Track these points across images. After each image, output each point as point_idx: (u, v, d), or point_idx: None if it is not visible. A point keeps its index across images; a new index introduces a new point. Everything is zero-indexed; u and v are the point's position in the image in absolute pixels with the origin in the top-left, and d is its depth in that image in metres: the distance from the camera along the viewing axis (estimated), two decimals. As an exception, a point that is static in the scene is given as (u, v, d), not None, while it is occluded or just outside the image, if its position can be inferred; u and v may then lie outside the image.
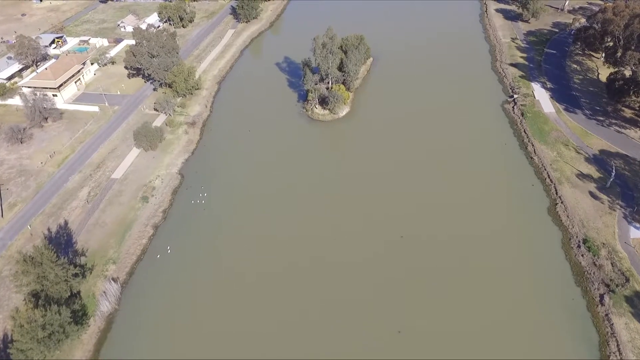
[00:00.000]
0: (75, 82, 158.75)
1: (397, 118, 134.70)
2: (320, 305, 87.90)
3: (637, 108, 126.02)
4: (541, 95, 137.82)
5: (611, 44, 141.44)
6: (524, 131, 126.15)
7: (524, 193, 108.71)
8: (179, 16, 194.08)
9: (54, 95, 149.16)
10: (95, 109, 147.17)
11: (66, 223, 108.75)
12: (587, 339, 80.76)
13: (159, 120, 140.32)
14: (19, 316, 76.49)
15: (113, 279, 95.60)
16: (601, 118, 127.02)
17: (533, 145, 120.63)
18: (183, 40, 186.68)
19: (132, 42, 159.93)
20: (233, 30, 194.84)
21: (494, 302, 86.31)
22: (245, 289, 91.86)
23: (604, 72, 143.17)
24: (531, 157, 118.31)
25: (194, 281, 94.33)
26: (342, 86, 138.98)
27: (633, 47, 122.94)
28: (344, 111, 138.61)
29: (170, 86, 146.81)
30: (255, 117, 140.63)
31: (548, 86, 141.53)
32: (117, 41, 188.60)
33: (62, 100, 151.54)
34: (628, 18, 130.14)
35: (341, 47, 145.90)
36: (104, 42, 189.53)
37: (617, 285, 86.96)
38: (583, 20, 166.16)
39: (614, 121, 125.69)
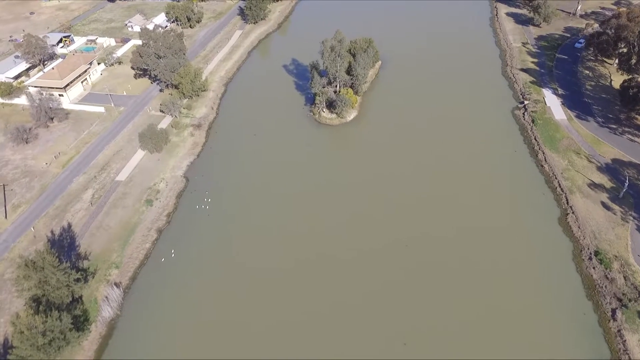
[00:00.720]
0: (82, 82, 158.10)
1: (405, 123, 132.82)
2: (326, 309, 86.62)
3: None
4: (552, 101, 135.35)
5: (625, 50, 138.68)
6: (535, 138, 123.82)
7: (534, 202, 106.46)
8: (187, 16, 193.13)
9: (60, 95, 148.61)
10: (101, 109, 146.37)
11: (69, 226, 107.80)
12: (598, 356, 78.58)
13: (165, 122, 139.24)
14: (19, 322, 75.36)
15: (115, 284, 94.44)
16: (614, 126, 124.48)
17: (544, 153, 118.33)
18: (190, 40, 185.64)
19: (140, 42, 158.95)
20: (241, 31, 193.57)
21: (503, 315, 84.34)
22: (251, 295, 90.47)
23: (616, 79, 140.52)
24: (541, 165, 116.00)
25: (197, 287, 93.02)
26: (350, 90, 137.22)
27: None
28: (351, 115, 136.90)
29: (176, 87, 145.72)
30: (261, 120, 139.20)
31: (559, 92, 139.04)
32: (125, 41, 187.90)
33: (68, 100, 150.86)
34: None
35: (349, 50, 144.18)
36: (111, 41, 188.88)
37: (629, 300, 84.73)
38: (596, 25, 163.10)
39: (627, 129, 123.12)
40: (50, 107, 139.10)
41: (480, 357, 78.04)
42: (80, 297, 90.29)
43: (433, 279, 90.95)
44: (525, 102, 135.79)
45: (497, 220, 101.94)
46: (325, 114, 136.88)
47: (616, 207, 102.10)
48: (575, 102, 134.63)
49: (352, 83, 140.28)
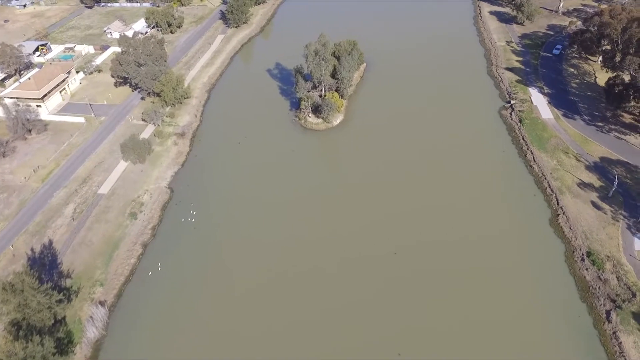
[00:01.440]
0: (60, 92, 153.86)
1: (392, 126, 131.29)
2: (317, 320, 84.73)
3: (637, 114, 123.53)
4: (539, 100, 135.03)
5: (608, 47, 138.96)
6: (523, 138, 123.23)
7: (525, 204, 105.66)
8: (167, 22, 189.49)
9: (37, 106, 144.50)
10: (81, 119, 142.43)
11: (51, 242, 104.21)
12: (595, 359, 77.88)
13: (147, 131, 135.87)
14: (-2, 349, 72.20)
15: (100, 303, 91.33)
16: (600, 124, 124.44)
17: (532, 153, 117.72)
18: (171, 46, 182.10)
19: (119, 49, 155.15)
20: (222, 35, 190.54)
21: (497, 320, 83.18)
22: (240, 310, 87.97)
23: (601, 76, 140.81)
24: (530, 166, 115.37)
25: (185, 302, 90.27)
26: (335, 94, 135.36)
27: (632, 52, 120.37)
28: (337, 119, 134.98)
29: (158, 95, 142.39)
30: (246, 126, 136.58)
31: (545, 91, 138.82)
32: (104, 48, 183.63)
33: (47, 111, 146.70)
34: (626, 22, 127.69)
35: (334, 53, 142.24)
36: (90, 49, 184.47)
37: (623, 301, 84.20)
38: (579, 22, 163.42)
39: (613, 127, 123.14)
40: (28, 119, 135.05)
41: (476, 365, 76.86)
42: (64, 318, 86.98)
43: (424, 287, 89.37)
44: (512, 102, 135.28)
45: (488, 224, 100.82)
46: (311, 119, 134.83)
47: (606, 207, 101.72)
48: (561, 100, 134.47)
49: (338, 87, 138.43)
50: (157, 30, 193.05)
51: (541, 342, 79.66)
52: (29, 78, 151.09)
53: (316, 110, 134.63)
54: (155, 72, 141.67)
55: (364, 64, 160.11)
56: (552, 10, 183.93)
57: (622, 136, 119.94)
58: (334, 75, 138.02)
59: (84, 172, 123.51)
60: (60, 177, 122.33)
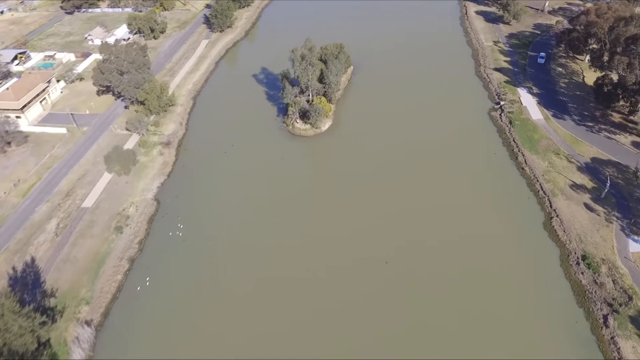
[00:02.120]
0: (41, 102, 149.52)
1: (381, 130, 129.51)
2: (311, 331, 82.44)
3: (627, 113, 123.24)
4: (528, 101, 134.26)
5: (595, 46, 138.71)
6: (513, 140, 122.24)
7: (518, 207, 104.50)
8: (150, 27, 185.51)
9: (17, 117, 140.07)
10: (62, 130, 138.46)
11: (33, 260, 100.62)
12: (594, 366, 76.95)
13: (132, 141, 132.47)
14: (-23, 379, 68.85)
15: (86, 322, 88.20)
16: (590, 124, 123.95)
17: (523, 155, 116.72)
18: (154, 52, 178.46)
19: (101, 56, 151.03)
20: (207, 40, 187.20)
21: (493, 326, 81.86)
22: (232, 324, 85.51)
23: (588, 75, 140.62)
24: (522, 168, 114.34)
25: (174, 320, 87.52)
26: (323, 98, 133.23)
27: (620, 51, 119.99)
28: (326, 125, 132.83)
29: (142, 103, 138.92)
30: (233, 133, 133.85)
31: (534, 91, 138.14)
32: (85, 55, 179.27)
33: (27, 122, 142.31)
34: (613, 21, 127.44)
35: (320, 57, 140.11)
36: (71, 56, 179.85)
37: (620, 305, 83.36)
38: (565, 22, 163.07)
39: (603, 127, 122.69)
40: (7, 131, 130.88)
41: (475, 377, 75.34)
42: (48, 340, 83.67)
43: (416, 293, 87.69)
44: (502, 103, 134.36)
45: (482, 228, 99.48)
46: (299, 124, 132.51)
47: (599, 208, 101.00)
48: (550, 100, 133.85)
49: (325, 91, 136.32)
50: (140, 36, 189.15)
51: (539, 349, 78.44)
52: (7, 88, 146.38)
53: (304, 115, 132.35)
54: (139, 80, 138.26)
55: (351, 67, 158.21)
56: (538, 9, 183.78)
57: (612, 136, 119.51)
58: (321, 79, 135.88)
59: (67, 185, 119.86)
60: (42, 191, 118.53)
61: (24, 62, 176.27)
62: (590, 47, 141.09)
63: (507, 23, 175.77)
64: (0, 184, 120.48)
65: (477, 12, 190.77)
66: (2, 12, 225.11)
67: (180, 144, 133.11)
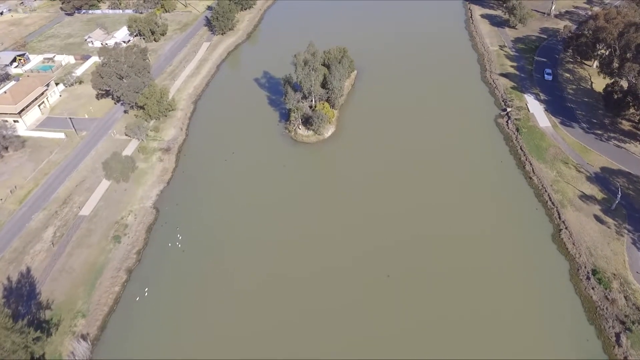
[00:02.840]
0: (39, 106, 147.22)
1: (385, 137, 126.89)
2: (311, 346, 79.74)
3: (637, 121, 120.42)
4: (535, 108, 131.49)
5: (604, 51, 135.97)
6: (521, 148, 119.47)
7: (526, 218, 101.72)
8: (150, 29, 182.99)
9: (15, 121, 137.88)
10: (61, 135, 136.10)
11: (29, 270, 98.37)
12: (606, 388, 74.31)
13: (131, 147, 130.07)
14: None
15: (82, 336, 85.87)
16: (599, 132, 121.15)
17: (531, 164, 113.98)
18: (155, 55, 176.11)
19: (100, 59, 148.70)
20: (208, 43, 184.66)
21: (501, 344, 78.99)
22: (233, 337, 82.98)
23: (597, 81, 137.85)
24: (530, 177, 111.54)
25: (172, 334, 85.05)
26: (326, 104, 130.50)
27: (630, 57, 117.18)
28: (329, 131, 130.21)
29: (142, 108, 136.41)
30: (234, 139, 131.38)
31: (541, 98, 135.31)
32: (85, 58, 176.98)
33: (25, 127, 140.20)
34: (622, 26, 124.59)
35: (324, 61, 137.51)
36: (70, 59, 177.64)
37: (633, 323, 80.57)
38: (573, 26, 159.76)
39: (612, 135, 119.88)
40: (4, 135, 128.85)
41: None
42: (43, 355, 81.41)
43: (422, 310, 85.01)
44: (508, 110, 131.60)
45: (489, 240, 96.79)
46: (302, 131, 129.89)
47: (609, 220, 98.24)
48: (558, 107, 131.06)
49: (329, 97, 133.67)
50: (140, 38, 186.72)
51: (550, 369, 75.98)
52: (5, 91, 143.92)
53: (306, 121, 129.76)
54: (138, 84, 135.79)
55: (355, 72, 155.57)
56: (544, 13, 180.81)
57: (622, 144, 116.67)
58: (324, 85, 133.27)
59: (65, 192, 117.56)
60: (39, 198, 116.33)
61: (22, 65, 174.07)
62: (599, 52, 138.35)
63: (513, 27, 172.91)
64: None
65: (483, 16, 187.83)
66: (1, 13, 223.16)
67: (180, 150, 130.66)
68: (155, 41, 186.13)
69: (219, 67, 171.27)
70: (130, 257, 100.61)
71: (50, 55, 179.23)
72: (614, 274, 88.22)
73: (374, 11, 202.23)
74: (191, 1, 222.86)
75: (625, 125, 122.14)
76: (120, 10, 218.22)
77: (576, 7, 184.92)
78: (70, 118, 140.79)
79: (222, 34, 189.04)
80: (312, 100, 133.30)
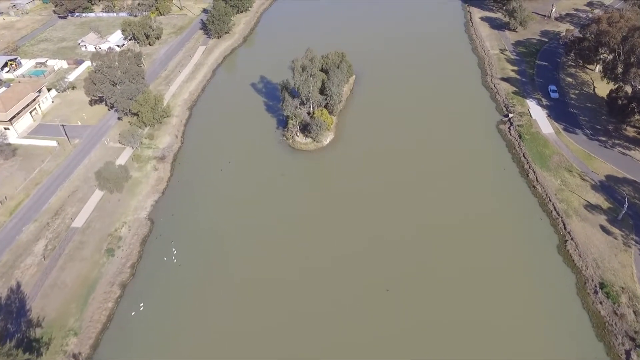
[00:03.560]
0: (31, 112, 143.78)
1: (385, 144, 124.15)
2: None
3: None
4: (537, 113, 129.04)
5: (607, 56, 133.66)
6: (523, 155, 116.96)
7: (531, 229, 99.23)
8: (145, 33, 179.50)
9: (5, 128, 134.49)
10: (53, 143, 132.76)
11: (19, 286, 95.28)
12: (617, 408, 71.87)
13: (125, 155, 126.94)
14: None
15: (74, 356, 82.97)
16: (603, 138, 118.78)
17: (535, 172, 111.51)
18: (149, 59, 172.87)
19: (93, 65, 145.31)
20: (204, 47, 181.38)
21: (509, 365, 76.81)
22: (232, 354, 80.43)
23: (599, 86, 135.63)
24: (533, 186, 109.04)
25: (169, 352, 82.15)
26: (324, 111, 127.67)
27: (635, 63, 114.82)
28: (328, 139, 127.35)
29: (136, 115, 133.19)
30: (230, 147, 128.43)
31: (544, 103, 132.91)
32: (78, 62, 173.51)
33: (16, 134, 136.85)
34: (626, 30, 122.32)
35: (322, 66, 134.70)
36: (63, 63, 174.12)
37: (643, 339, 78.39)
38: (575, 30, 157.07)
39: (617, 141, 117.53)
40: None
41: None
42: (32, 377, 78.55)
43: (423, 325, 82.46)
44: (510, 116, 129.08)
45: (492, 251, 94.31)
46: (300, 138, 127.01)
47: (616, 231, 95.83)
48: (560, 113, 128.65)
49: (327, 103, 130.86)
50: (135, 42, 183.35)
51: (559, 390, 73.53)
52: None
53: (305, 129, 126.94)
54: (132, 90, 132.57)
55: (353, 76, 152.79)
56: (545, 16, 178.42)
57: (627, 151, 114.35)
58: (322, 91, 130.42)
59: (57, 202, 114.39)
60: (31, 209, 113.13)
61: (14, 70, 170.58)
62: (601, 56, 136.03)
63: (513, 30, 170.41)
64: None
65: (482, 18, 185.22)
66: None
67: (175, 158, 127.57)
68: (149, 45, 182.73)
69: (215, 71, 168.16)
70: (124, 272, 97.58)
71: (42, 60, 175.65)
72: (622, 288, 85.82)
73: (372, 13, 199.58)
74: (186, 4, 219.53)
75: (630, 131, 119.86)
76: (115, 14, 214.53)
77: (576, 10, 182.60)
78: (62, 125, 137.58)
79: (218, 37, 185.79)
80: (310, 107, 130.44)
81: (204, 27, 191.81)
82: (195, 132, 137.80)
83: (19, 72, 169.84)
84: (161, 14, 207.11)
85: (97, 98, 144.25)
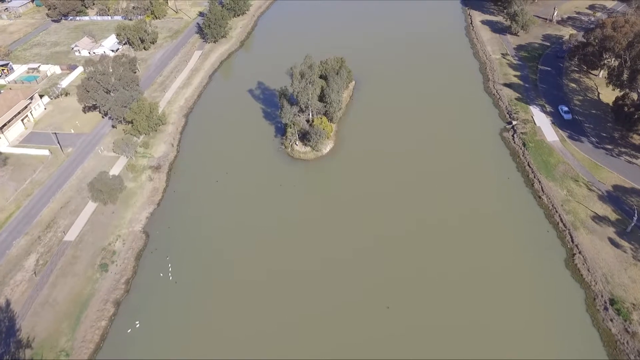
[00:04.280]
0: (22, 120, 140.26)
1: (386, 152, 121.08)
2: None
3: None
4: (542, 120, 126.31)
5: (610, 60, 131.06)
6: (528, 165, 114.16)
7: (537, 241, 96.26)
8: (140, 37, 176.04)
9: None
10: (45, 152, 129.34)
11: (8, 304, 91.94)
12: None
13: (119, 165, 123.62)
14: None
15: (65, 378, 79.69)
16: (609, 146, 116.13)
17: (540, 182, 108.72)
18: (144, 65, 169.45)
19: (85, 72, 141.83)
20: (200, 51, 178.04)
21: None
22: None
23: (604, 92, 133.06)
24: (539, 197, 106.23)
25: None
26: (324, 118, 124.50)
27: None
28: (327, 147, 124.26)
29: (131, 122, 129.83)
30: (228, 156, 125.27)
31: (548, 110, 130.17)
32: (71, 68, 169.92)
33: (7, 143, 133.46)
34: (632, 36, 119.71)
35: (321, 73, 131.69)
36: (56, 69, 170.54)
37: (656, 359, 75.67)
38: (579, 35, 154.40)
39: (623, 150, 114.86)
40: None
41: None
42: (21, 402, 75.26)
43: (426, 344, 79.45)
44: (514, 123, 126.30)
45: (499, 267, 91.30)
46: (299, 147, 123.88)
47: (625, 244, 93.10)
48: (565, 120, 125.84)
49: (326, 110, 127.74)
50: (129, 47, 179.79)
51: (570, 414, 70.67)
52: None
53: (304, 137, 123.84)
54: (126, 98, 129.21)
55: (353, 82, 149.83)
56: (546, 19, 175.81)
57: (634, 160, 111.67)
58: (321, 98, 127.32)
59: (49, 215, 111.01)
60: (21, 222, 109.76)
61: (6, 75, 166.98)
62: (606, 61, 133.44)
63: (515, 34, 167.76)
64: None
65: (483, 22, 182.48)
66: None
67: (171, 167, 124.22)
68: (144, 49, 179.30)
69: (211, 77, 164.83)
70: (118, 288, 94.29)
71: (35, 65, 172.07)
72: (634, 304, 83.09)
73: (371, 16, 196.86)
74: (182, 7, 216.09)
75: (637, 139, 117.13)
76: (109, 17, 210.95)
77: (578, 13, 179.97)
78: (55, 133, 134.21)
79: (215, 41, 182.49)
80: (309, 114, 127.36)
81: (200, 31, 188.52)
82: (192, 140, 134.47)
83: (11, 77, 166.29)
84: (156, 18, 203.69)
85: (91, 105, 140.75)
